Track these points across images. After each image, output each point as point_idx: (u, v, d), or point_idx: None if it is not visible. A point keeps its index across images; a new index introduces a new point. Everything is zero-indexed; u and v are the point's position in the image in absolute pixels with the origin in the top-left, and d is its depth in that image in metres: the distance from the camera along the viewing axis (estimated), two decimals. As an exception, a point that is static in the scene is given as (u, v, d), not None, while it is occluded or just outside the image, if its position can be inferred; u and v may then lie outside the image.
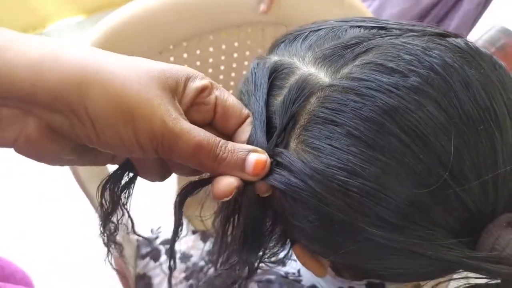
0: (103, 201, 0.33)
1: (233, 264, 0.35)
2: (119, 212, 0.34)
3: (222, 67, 0.69)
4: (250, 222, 0.32)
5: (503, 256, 0.24)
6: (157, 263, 0.73)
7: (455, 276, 0.28)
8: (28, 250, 1.28)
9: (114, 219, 0.36)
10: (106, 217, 0.34)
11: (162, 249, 0.74)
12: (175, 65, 0.29)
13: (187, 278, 0.68)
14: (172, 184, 0.80)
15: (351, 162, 0.25)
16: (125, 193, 0.33)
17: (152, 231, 0.78)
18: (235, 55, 0.67)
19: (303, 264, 0.34)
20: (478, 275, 0.25)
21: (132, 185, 0.33)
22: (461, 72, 0.26)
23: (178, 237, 0.38)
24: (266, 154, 0.29)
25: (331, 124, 0.26)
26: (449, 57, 0.26)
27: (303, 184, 0.27)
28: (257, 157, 0.28)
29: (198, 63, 0.66)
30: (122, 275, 0.73)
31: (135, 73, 0.26)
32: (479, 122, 0.25)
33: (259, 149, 0.29)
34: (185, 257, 0.72)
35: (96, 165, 0.32)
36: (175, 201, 0.32)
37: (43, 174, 1.43)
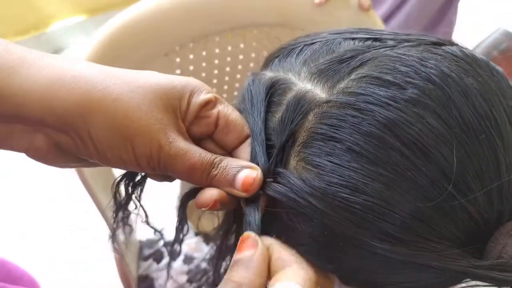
0: (117, 195, 0.35)
1: None
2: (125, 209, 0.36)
3: (227, 69, 0.68)
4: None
5: (510, 264, 0.24)
6: (160, 264, 0.73)
7: (463, 285, 0.28)
8: (28, 250, 1.27)
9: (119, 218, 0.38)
10: (119, 208, 0.36)
11: (165, 250, 0.74)
12: (181, 79, 0.30)
13: (189, 281, 0.68)
14: (175, 187, 0.80)
15: (353, 179, 0.25)
16: (138, 189, 0.35)
17: (155, 232, 0.78)
18: (241, 56, 0.67)
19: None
20: (487, 284, 0.25)
21: (144, 183, 0.35)
22: (458, 81, 0.25)
23: (182, 240, 0.38)
24: (259, 170, 0.29)
25: (331, 140, 0.26)
26: (446, 66, 0.26)
27: (304, 202, 0.27)
28: (246, 174, 0.29)
29: (204, 64, 0.66)
30: (123, 276, 0.73)
31: (139, 98, 0.28)
32: (480, 131, 0.25)
33: (254, 165, 0.29)
34: (188, 259, 0.71)
35: (104, 166, 0.33)
36: (178, 205, 0.33)
37: (43, 174, 1.43)
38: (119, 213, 0.36)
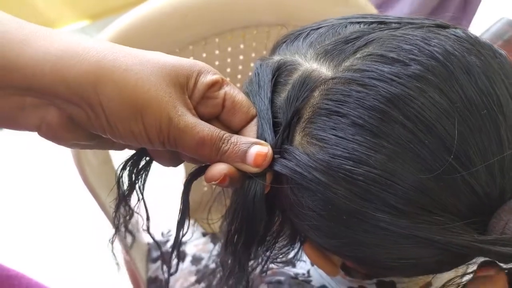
0: (120, 183, 0.35)
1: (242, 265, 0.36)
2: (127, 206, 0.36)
3: (228, 70, 0.69)
4: (255, 223, 0.32)
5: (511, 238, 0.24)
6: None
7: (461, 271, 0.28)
8: (28, 250, 1.28)
9: (122, 217, 0.38)
10: (121, 199, 0.36)
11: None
12: (188, 60, 0.31)
13: (198, 281, 0.68)
14: (180, 190, 0.80)
15: (357, 151, 0.26)
16: (143, 175, 0.35)
17: (162, 234, 0.79)
18: (241, 57, 0.67)
19: (314, 263, 0.34)
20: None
21: (149, 168, 0.35)
22: (461, 59, 0.26)
23: (184, 232, 0.38)
24: (269, 146, 0.30)
25: (335, 115, 0.27)
26: (449, 45, 0.27)
27: (309, 175, 0.27)
28: (258, 149, 0.29)
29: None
30: (133, 278, 0.74)
31: (148, 71, 0.28)
32: (482, 107, 0.25)
33: (263, 142, 0.30)
34: (196, 259, 0.72)
35: (112, 149, 0.34)
36: (184, 184, 0.34)
37: (42, 174, 1.43)
38: (121, 205, 0.37)
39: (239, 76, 0.70)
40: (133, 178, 0.35)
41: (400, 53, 0.27)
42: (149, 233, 0.39)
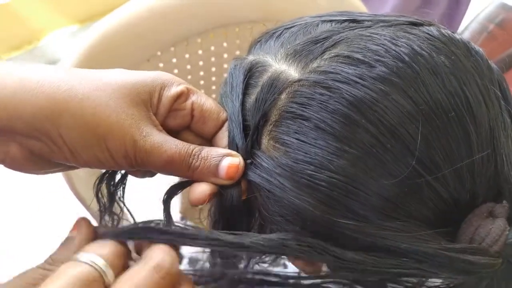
0: (100, 197, 0.34)
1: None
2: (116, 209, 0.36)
3: (213, 69, 0.68)
4: (237, 224, 0.32)
5: (482, 247, 0.24)
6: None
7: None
8: (27, 249, 1.28)
9: (108, 217, 0.37)
10: (104, 212, 0.35)
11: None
12: (150, 74, 0.30)
13: (195, 283, 0.68)
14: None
15: (318, 156, 0.25)
16: (120, 188, 0.35)
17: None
18: (225, 55, 0.67)
19: (293, 264, 0.34)
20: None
21: (125, 181, 0.35)
22: (429, 59, 0.25)
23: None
24: (240, 157, 0.29)
25: (299, 118, 0.26)
26: (417, 45, 0.26)
27: (274, 181, 0.27)
28: (230, 161, 0.29)
29: (188, 66, 0.65)
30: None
31: (107, 96, 0.27)
32: (449, 109, 0.25)
33: (233, 152, 0.29)
34: (192, 262, 0.71)
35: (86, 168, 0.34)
36: (163, 199, 0.33)
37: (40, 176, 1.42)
38: (104, 217, 0.36)
39: (225, 75, 0.69)
40: (111, 191, 0.34)
41: (366, 54, 0.26)
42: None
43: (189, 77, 0.66)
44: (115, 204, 0.36)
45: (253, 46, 0.36)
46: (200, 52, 0.64)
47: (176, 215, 0.83)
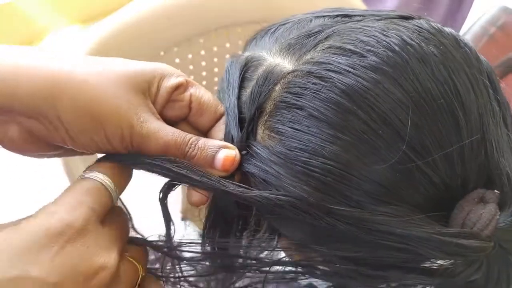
0: None
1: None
2: None
3: (215, 69, 0.68)
4: (236, 219, 0.33)
5: (474, 231, 0.24)
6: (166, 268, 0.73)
7: None
8: None
9: None
10: None
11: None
12: (151, 64, 0.31)
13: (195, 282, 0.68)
14: (177, 193, 0.80)
15: (312, 143, 0.26)
16: None
17: (159, 237, 0.79)
18: (228, 56, 0.67)
19: (290, 257, 0.34)
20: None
21: None
22: (418, 49, 0.26)
23: (173, 231, 0.38)
24: (236, 149, 0.30)
25: (293, 107, 0.27)
26: (407, 36, 0.26)
27: (270, 170, 0.27)
28: (226, 153, 0.29)
29: (191, 67, 0.66)
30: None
31: (106, 81, 0.28)
32: (438, 96, 0.25)
33: (230, 145, 0.30)
34: (193, 262, 0.72)
35: (82, 155, 0.34)
36: (159, 198, 0.33)
37: (38, 172, 1.43)
38: None
39: (226, 75, 0.70)
40: None
41: (357, 45, 0.27)
42: (134, 230, 0.39)
43: (192, 77, 0.67)
44: None
45: (248, 43, 0.36)
46: (202, 52, 0.64)
47: (177, 215, 0.83)
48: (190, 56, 0.64)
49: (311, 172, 0.26)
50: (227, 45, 0.65)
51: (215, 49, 0.65)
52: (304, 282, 0.44)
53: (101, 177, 0.28)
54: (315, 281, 0.43)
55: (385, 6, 1.11)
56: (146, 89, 0.29)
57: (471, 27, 1.16)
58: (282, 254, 0.41)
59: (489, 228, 0.24)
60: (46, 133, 0.28)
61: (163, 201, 0.33)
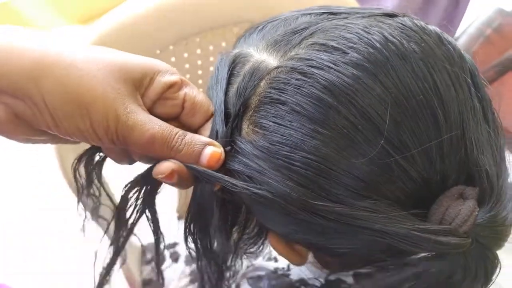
0: (78, 177, 0.35)
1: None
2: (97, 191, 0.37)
3: (211, 68, 0.68)
4: (226, 215, 0.34)
5: (452, 228, 0.24)
6: (163, 267, 0.74)
7: None
8: (23, 246, 1.27)
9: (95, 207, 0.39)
10: (82, 193, 0.36)
11: (167, 253, 0.75)
12: (146, 59, 0.31)
13: (192, 281, 0.69)
14: (173, 193, 0.80)
15: (293, 137, 0.26)
16: (98, 170, 0.36)
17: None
18: (224, 55, 0.67)
19: (279, 253, 0.35)
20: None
21: (102, 164, 0.36)
22: (399, 45, 0.27)
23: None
24: (222, 148, 0.30)
25: (277, 103, 0.28)
26: (389, 33, 0.27)
27: (253, 164, 0.28)
28: (212, 150, 0.29)
29: (187, 65, 0.66)
30: (129, 280, 0.74)
31: (94, 67, 0.28)
32: (418, 92, 0.26)
33: (216, 142, 0.30)
34: (190, 260, 0.72)
35: (68, 143, 0.34)
36: (146, 191, 0.34)
37: (36, 167, 1.42)
38: (82, 197, 0.37)
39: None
40: (89, 173, 0.35)
41: (340, 42, 0.27)
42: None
43: (188, 76, 0.67)
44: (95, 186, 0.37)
45: (238, 40, 0.37)
46: (198, 51, 0.65)
47: (173, 214, 0.83)
48: (186, 55, 0.64)
49: (292, 166, 0.26)
50: (223, 44, 0.66)
51: (211, 48, 0.65)
52: (295, 277, 0.44)
53: None
54: (305, 276, 0.43)
55: (385, 6, 1.11)
56: (137, 81, 0.29)
57: (466, 29, 1.16)
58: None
59: (467, 224, 0.24)
60: (31, 116, 0.28)
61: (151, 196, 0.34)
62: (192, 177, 0.30)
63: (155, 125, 0.29)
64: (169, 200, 0.73)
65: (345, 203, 0.26)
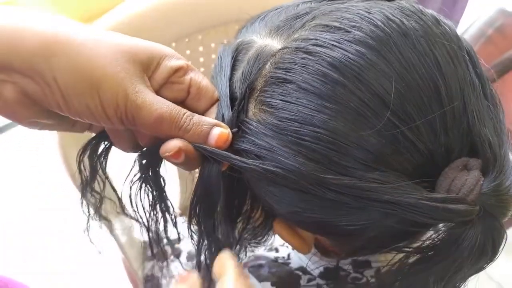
0: (82, 169, 0.36)
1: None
2: (102, 185, 0.38)
3: (213, 66, 0.69)
4: (231, 203, 0.35)
5: (459, 196, 0.25)
6: (165, 263, 0.74)
7: None
8: (23, 246, 1.28)
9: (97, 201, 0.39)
10: (85, 185, 0.37)
11: (169, 249, 0.75)
12: (153, 43, 0.32)
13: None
14: (175, 189, 0.81)
15: (301, 112, 0.27)
16: (103, 160, 0.36)
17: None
18: (225, 52, 0.68)
19: (284, 239, 0.35)
20: None
21: (108, 154, 0.36)
22: (399, 23, 0.28)
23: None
24: (229, 129, 0.30)
25: (284, 82, 0.28)
26: (389, 13, 0.28)
27: (262, 142, 0.29)
28: (220, 131, 0.30)
29: (189, 62, 0.66)
30: (131, 276, 0.74)
31: (104, 46, 0.28)
32: (420, 66, 0.27)
33: (223, 124, 0.31)
34: (191, 256, 0.72)
35: (73, 131, 0.34)
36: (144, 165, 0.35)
37: (36, 167, 1.43)
38: (86, 191, 0.37)
39: (225, 72, 0.70)
40: (94, 163, 0.35)
41: (342, 22, 0.28)
42: (125, 214, 0.40)
43: (190, 73, 0.67)
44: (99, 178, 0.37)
45: (240, 31, 0.38)
46: (201, 49, 0.65)
47: (175, 211, 0.83)
48: (188, 52, 0.65)
49: (302, 141, 0.27)
50: (225, 41, 0.66)
51: (213, 45, 0.66)
52: (295, 266, 0.45)
53: None
54: (305, 264, 0.44)
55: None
56: (145, 63, 0.30)
57: (467, 29, 1.16)
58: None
59: (473, 193, 0.25)
60: (41, 95, 0.28)
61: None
62: (199, 157, 0.31)
63: (164, 105, 0.30)
64: (171, 198, 0.73)
65: (355, 176, 0.26)
